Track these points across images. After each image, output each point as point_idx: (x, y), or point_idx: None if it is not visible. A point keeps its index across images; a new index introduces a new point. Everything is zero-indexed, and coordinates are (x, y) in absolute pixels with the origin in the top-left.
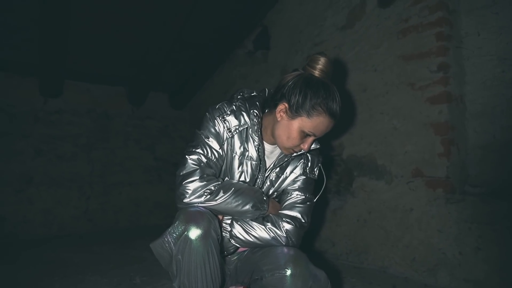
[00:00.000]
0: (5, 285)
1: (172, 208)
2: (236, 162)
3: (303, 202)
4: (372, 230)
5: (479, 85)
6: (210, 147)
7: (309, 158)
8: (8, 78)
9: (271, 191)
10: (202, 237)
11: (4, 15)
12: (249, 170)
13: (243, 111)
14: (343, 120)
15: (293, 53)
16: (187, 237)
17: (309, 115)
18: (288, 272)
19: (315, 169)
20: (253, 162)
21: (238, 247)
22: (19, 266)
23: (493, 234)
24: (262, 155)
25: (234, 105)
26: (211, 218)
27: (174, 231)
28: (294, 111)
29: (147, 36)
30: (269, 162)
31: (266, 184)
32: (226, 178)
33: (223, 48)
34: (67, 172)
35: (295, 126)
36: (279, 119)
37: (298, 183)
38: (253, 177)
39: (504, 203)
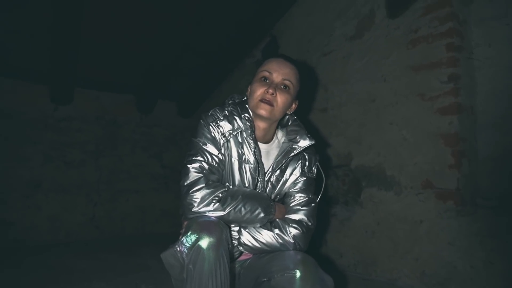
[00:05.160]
0: None
1: (178, 217)
2: (235, 167)
3: (307, 204)
4: (381, 242)
5: (490, 96)
6: (210, 153)
7: (306, 157)
8: (19, 85)
9: (273, 195)
10: (214, 247)
11: (17, 23)
12: (248, 174)
13: (236, 115)
14: (351, 129)
15: (302, 63)
16: (199, 246)
17: (261, 65)
18: (298, 274)
19: (313, 168)
20: (251, 166)
21: (242, 253)
22: (24, 271)
23: (505, 247)
24: (259, 158)
25: (227, 110)
26: (223, 227)
27: (187, 240)
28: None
29: (156, 44)
30: (267, 163)
31: (268, 188)
32: (227, 183)
33: (232, 57)
34: (75, 179)
35: (255, 79)
36: (248, 92)
37: (299, 185)
38: (254, 181)
39: None
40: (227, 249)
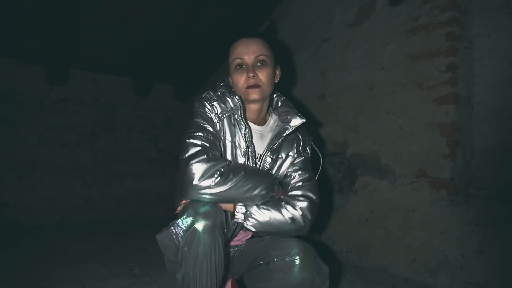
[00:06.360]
0: (5, 270)
1: (174, 200)
2: (228, 148)
3: (308, 180)
4: (374, 229)
5: (488, 87)
6: (209, 131)
7: (300, 137)
8: (15, 65)
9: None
10: (209, 230)
11: (13, 2)
12: (238, 156)
13: (227, 97)
14: (348, 117)
15: (301, 49)
16: (195, 229)
17: (229, 54)
18: (298, 260)
19: (308, 148)
20: (241, 149)
21: (236, 236)
22: (19, 252)
23: (496, 237)
24: (250, 140)
25: (219, 92)
26: (218, 211)
27: (183, 223)
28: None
29: (154, 27)
30: (262, 146)
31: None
32: (228, 159)
33: (230, 42)
34: (71, 161)
35: (232, 70)
36: (230, 82)
37: (298, 165)
38: (244, 163)
39: (508, 207)
40: (222, 232)
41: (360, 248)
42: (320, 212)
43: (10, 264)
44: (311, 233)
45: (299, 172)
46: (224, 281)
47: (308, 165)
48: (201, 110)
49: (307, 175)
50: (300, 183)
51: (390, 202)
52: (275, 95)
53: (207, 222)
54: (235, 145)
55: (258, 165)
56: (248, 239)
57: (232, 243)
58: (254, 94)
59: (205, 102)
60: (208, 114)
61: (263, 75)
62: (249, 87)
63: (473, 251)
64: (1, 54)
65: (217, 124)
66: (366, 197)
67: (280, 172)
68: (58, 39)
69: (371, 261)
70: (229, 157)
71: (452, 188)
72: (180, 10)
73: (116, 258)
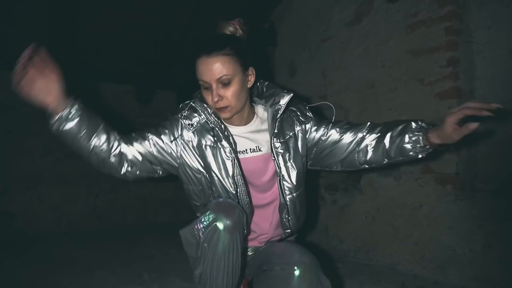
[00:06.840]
0: (14, 280)
1: (179, 206)
2: (208, 152)
3: (336, 121)
4: (381, 227)
5: (490, 80)
6: (154, 133)
7: (294, 109)
8: None
9: (299, 161)
10: (230, 230)
11: (14, 12)
12: (224, 156)
13: (199, 107)
14: (350, 116)
15: (300, 49)
16: (216, 227)
17: (195, 67)
18: (297, 272)
19: (308, 113)
20: (226, 148)
21: (245, 237)
22: (27, 261)
23: (504, 231)
24: (232, 138)
25: (192, 102)
26: (241, 212)
27: (204, 219)
28: None
29: (153, 33)
30: (264, 137)
31: (280, 159)
32: (214, 174)
33: None
34: (76, 170)
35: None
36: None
37: (318, 125)
38: (231, 162)
39: None
40: (242, 234)
41: (368, 246)
42: (326, 212)
43: (19, 274)
44: (318, 233)
45: (324, 125)
46: (239, 284)
47: (323, 119)
48: (167, 122)
49: (333, 120)
50: (344, 124)
51: (396, 199)
52: (258, 83)
53: (228, 221)
54: (218, 147)
55: (275, 156)
56: (266, 242)
57: (250, 244)
58: (224, 115)
59: (175, 115)
60: (169, 127)
61: (229, 95)
62: (217, 109)
63: (481, 245)
64: (5, 66)
65: (190, 131)
66: (372, 195)
67: (306, 148)
68: (60, 50)
69: (379, 259)
70: (211, 161)
71: (457, 183)
72: (179, 14)
73: (124, 266)
